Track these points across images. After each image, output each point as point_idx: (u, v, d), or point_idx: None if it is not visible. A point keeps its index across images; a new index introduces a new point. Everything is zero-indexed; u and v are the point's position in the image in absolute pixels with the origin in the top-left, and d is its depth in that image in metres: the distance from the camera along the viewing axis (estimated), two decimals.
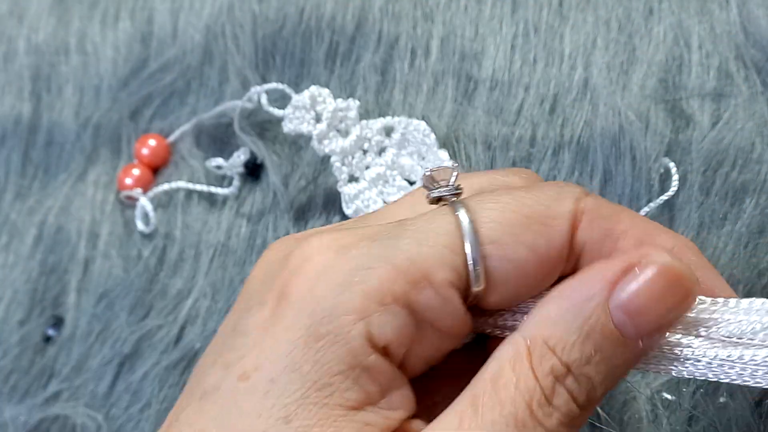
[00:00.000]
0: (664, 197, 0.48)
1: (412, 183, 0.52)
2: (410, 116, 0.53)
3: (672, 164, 0.49)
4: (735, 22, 0.52)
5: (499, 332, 0.33)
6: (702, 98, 0.51)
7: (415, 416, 0.32)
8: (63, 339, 0.52)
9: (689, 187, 0.49)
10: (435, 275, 0.30)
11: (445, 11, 0.55)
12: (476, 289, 0.31)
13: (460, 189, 0.33)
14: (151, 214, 0.53)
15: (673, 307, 0.30)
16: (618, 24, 0.53)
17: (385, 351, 0.30)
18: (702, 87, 0.51)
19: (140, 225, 0.54)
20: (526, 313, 0.33)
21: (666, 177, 0.49)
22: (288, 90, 0.53)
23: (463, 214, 0.31)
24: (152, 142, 0.55)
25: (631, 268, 0.30)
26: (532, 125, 0.52)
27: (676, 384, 0.45)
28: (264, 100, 0.53)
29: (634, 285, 0.29)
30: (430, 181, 0.34)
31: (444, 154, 0.52)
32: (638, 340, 0.30)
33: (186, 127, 0.55)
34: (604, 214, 0.32)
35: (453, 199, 0.33)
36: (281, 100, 0.53)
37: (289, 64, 0.56)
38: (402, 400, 0.31)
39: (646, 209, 0.48)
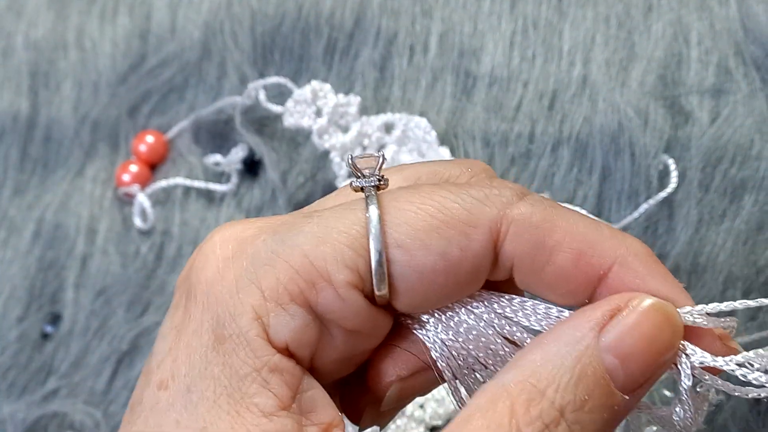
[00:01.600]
0: (663, 194, 0.48)
1: None
2: (409, 112, 0.53)
3: (671, 161, 0.49)
4: (734, 18, 0.52)
5: (410, 324, 0.32)
6: (701, 95, 0.51)
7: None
8: (61, 335, 0.52)
9: (688, 184, 0.49)
10: (334, 276, 0.29)
11: (444, 7, 0.55)
12: (379, 293, 0.29)
13: (384, 180, 0.31)
14: (149, 210, 0.53)
15: (662, 349, 0.28)
16: (617, 20, 0.53)
17: (288, 352, 0.29)
18: (701, 83, 0.51)
19: (138, 221, 0.54)
20: (442, 314, 0.31)
21: (665, 173, 0.49)
22: (290, 84, 0.53)
23: (373, 212, 0.29)
24: (150, 139, 0.55)
25: (618, 310, 0.28)
26: (531, 121, 0.52)
27: (674, 381, 0.45)
28: (262, 96, 0.53)
29: (622, 326, 0.28)
30: (355, 169, 0.31)
31: (445, 151, 0.52)
32: (626, 392, 0.28)
33: (184, 123, 0.55)
34: (536, 222, 0.29)
35: (370, 193, 0.30)
36: (279, 96, 0.53)
37: (287, 60, 0.55)
38: (316, 404, 0.29)
39: (644, 206, 0.48)
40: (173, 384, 0.29)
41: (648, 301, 0.28)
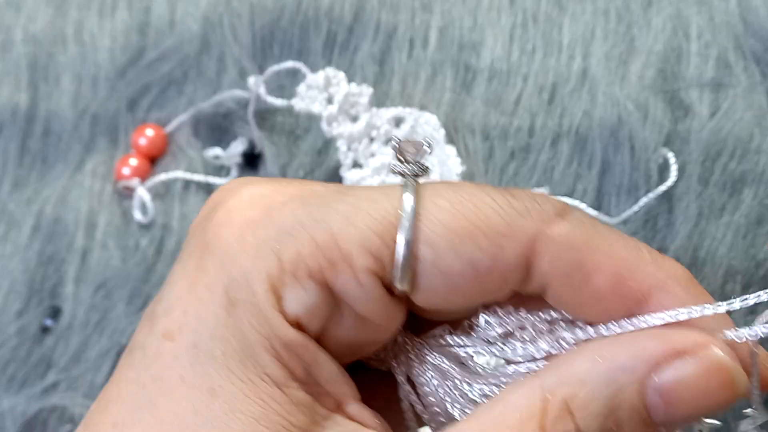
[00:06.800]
0: (662, 187, 0.48)
1: None
2: (409, 107, 0.53)
3: (671, 154, 0.49)
4: (734, 12, 0.52)
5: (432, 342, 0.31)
6: (701, 88, 0.51)
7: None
8: (61, 329, 0.52)
9: (688, 178, 0.49)
10: (356, 260, 0.28)
11: (444, 1, 0.55)
12: (401, 287, 0.29)
13: (425, 169, 0.30)
14: (149, 204, 0.53)
15: (714, 404, 0.27)
16: (617, 14, 0.53)
17: (299, 326, 0.28)
18: (701, 77, 0.51)
19: (138, 215, 0.54)
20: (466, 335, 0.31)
21: (665, 167, 0.49)
22: (304, 69, 0.52)
23: (408, 202, 0.28)
24: (150, 132, 0.55)
25: (680, 354, 0.27)
26: (530, 115, 0.52)
27: None
28: (262, 90, 0.53)
29: (680, 373, 0.27)
30: (399, 153, 0.30)
31: (452, 150, 0.52)
32: (662, 426, 0.27)
33: (184, 116, 0.55)
34: (576, 244, 0.28)
35: (408, 181, 0.29)
36: (279, 90, 0.53)
37: (286, 54, 0.55)
38: (330, 379, 0.29)
39: (644, 200, 0.48)
40: (180, 337, 0.28)
41: (715, 355, 0.27)
